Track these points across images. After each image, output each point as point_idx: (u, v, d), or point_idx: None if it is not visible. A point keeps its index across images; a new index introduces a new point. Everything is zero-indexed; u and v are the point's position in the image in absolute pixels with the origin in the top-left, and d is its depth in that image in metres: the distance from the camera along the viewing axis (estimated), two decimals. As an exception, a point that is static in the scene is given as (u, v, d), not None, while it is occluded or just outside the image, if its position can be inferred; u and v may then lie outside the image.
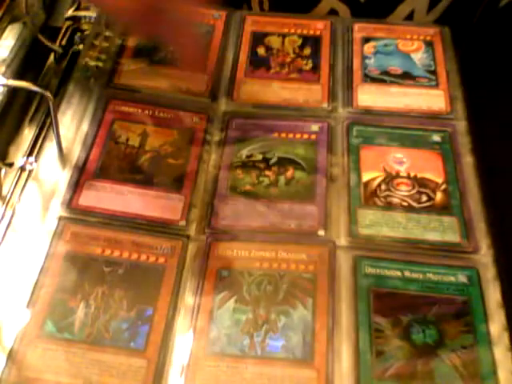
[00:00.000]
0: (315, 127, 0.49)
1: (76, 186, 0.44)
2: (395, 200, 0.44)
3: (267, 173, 0.46)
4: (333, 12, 0.59)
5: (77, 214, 0.43)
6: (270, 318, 0.38)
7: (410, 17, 0.59)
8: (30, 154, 0.47)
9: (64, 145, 0.47)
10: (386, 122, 0.49)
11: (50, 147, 0.47)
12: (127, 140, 0.47)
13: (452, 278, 0.40)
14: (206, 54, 0.54)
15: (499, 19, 0.58)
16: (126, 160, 0.46)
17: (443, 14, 0.59)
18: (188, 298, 0.39)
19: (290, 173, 0.46)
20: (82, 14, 0.57)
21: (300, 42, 0.55)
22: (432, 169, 0.46)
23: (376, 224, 0.42)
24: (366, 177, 0.45)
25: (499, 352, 0.37)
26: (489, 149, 0.47)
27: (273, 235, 0.42)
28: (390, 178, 0.45)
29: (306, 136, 0.48)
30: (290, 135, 0.48)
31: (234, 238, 0.42)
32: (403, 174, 0.45)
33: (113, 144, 0.47)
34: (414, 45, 0.54)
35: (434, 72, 0.52)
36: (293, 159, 0.47)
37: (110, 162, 0.46)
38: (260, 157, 0.47)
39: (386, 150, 0.47)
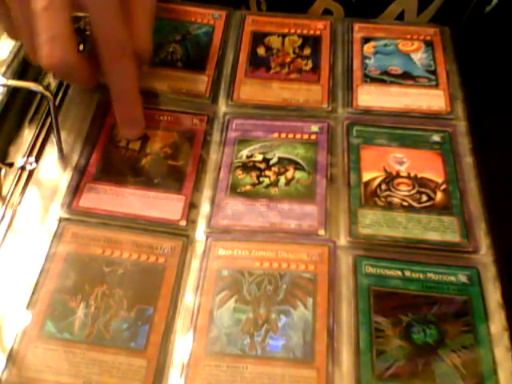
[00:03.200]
0: (315, 128, 0.49)
1: (76, 189, 0.44)
2: (395, 200, 0.44)
3: (267, 173, 0.46)
4: (327, 11, 0.59)
5: (77, 215, 0.43)
6: (270, 317, 0.38)
7: (400, 17, 0.59)
8: (30, 154, 0.47)
9: (64, 148, 0.46)
10: (386, 122, 0.49)
11: (50, 148, 0.47)
12: (128, 144, 0.47)
13: (452, 278, 0.40)
14: (206, 54, 0.54)
15: (484, 24, 0.59)
16: (126, 163, 0.46)
17: (434, 16, 0.59)
18: (188, 298, 0.39)
19: (290, 173, 0.46)
20: (82, 14, 0.57)
21: (300, 42, 0.55)
22: (432, 169, 0.46)
23: (376, 224, 0.42)
24: (366, 177, 0.45)
25: (499, 352, 0.36)
26: (489, 149, 0.47)
27: (273, 235, 0.42)
28: (391, 178, 0.45)
29: (306, 136, 0.48)
30: (290, 135, 0.48)
31: (234, 237, 0.42)
32: (403, 173, 0.45)
33: (113, 148, 0.47)
34: (414, 45, 0.54)
35: (433, 72, 0.52)
36: (293, 159, 0.47)
37: (110, 166, 0.46)
38: (260, 157, 0.47)
39: (386, 150, 0.47)
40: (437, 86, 0.51)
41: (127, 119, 0.46)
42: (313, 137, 0.48)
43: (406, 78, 0.52)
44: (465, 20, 0.59)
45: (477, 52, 0.58)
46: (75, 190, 0.44)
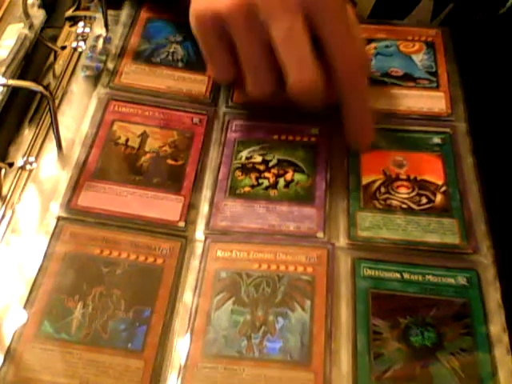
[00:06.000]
0: (315, 130, 0.48)
1: (75, 186, 0.44)
2: (395, 202, 0.44)
3: (266, 175, 0.46)
4: None
5: (76, 215, 0.43)
6: (268, 319, 0.38)
7: None
8: (29, 154, 0.47)
9: (64, 145, 0.47)
10: (387, 124, 0.49)
11: (49, 147, 0.47)
12: (127, 141, 0.47)
13: (451, 280, 0.40)
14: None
15: (497, 25, 0.59)
16: (125, 161, 0.46)
17: (444, 19, 0.59)
18: (186, 299, 0.39)
19: (289, 175, 0.46)
20: (81, 13, 0.57)
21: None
22: (432, 171, 0.45)
23: (375, 226, 0.42)
24: (365, 180, 0.45)
25: (499, 354, 0.36)
26: (489, 150, 0.47)
27: (272, 237, 0.42)
28: (390, 181, 0.45)
29: (305, 139, 0.48)
30: (290, 137, 0.48)
31: (233, 239, 0.42)
32: (403, 176, 0.45)
33: (112, 145, 0.47)
34: (415, 46, 0.54)
35: (434, 73, 0.52)
36: (292, 161, 0.46)
37: (109, 163, 0.46)
38: (259, 159, 0.47)
39: (386, 154, 0.47)
40: (437, 87, 0.51)
41: (363, 135, 0.46)
42: (313, 139, 0.48)
43: (407, 79, 0.52)
44: (475, 22, 0.59)
45: (480, 52, 0.58)
46: (74, 188, 0.44)
